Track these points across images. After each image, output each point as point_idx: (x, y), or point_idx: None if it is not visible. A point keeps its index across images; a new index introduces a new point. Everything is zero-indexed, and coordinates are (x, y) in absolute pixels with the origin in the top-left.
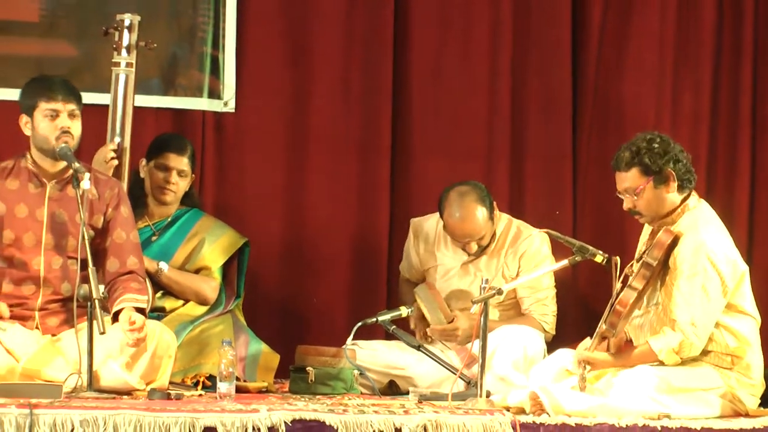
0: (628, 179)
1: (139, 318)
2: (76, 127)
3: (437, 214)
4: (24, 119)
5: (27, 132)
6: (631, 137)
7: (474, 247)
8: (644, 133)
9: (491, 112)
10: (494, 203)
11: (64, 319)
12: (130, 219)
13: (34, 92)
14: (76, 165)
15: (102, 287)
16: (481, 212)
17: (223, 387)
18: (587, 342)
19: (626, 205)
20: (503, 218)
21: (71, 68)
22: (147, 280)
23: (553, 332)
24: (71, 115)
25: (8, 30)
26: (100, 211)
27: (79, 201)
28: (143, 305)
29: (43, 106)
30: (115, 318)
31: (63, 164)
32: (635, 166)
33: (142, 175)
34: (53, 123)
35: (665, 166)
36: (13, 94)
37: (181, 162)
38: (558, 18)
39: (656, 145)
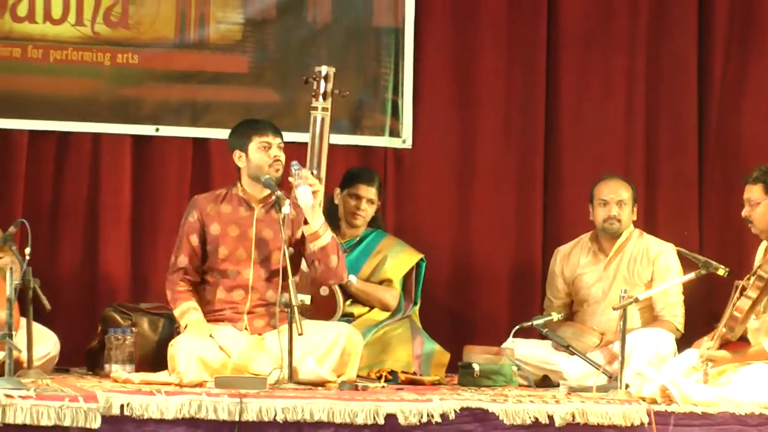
0: (752, 191)
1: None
2: (283, 157)
3: (578, 239)
4: (238, 154)
5: (240, 164)
6: (749, 166)
7: (615, 210)
8: None
9: (627, 147)
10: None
11: (268, 321)
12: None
13: (247, 130)
14: (278, 193)
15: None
16: (625, 182)
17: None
18: (708, 342)
19: (744, 213)
20: (636, 232)
21: (274, 112)
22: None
23: (683, 331)
24: (279, 147)
25: (222, 80)
26: (299, 227)
27: (281, 223)
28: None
29: (257, 140)
30: None
31: (267, 191)
32: (759, 183)
33: (336, 202)
34: (266, 153)
35: None
36: (223, 134)
37: (369, 191)
38: (685, 65)
39: None
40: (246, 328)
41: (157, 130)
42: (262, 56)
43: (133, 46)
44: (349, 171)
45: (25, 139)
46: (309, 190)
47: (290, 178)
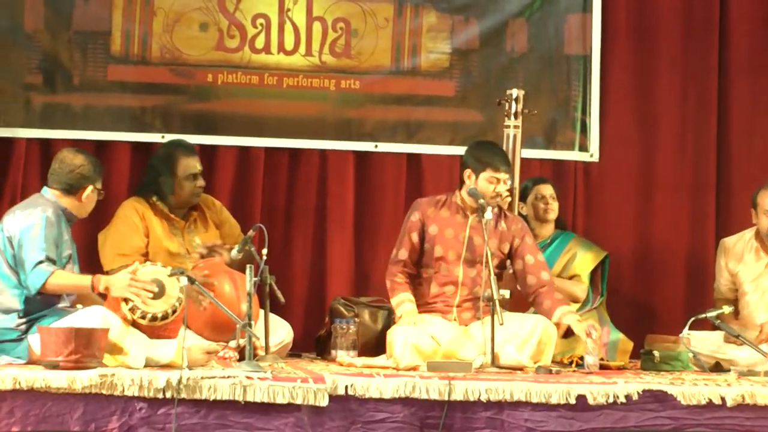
0: None
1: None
2: (504, 193)
3: (742, 233)
4: (468, 173)
5: (467, 182)
6: None
7: None
8: None
9: None
10: None
11: (474, 313)
12: (534, 245)
13: (486, 159)
14: (481, 201)
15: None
16: None
17: (589, 359)
18: None
19: None
20: None
21: (478, 130)
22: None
23: None
24: (505, 183)
25: (432, 102)
26: (507, 240)
27: (484, 228)
28: (574, 311)
29: (491, 173)
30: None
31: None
32: None
33: (524, 213)
34: (492, 186)
35: None
36: (433, 149)
37: (548, 188)
38: None
39: None
40: (455, 319)
41: (376, 146)
42: (467, 81)
43: (355, 73)
44: (524, 184)
45: (262, 154)
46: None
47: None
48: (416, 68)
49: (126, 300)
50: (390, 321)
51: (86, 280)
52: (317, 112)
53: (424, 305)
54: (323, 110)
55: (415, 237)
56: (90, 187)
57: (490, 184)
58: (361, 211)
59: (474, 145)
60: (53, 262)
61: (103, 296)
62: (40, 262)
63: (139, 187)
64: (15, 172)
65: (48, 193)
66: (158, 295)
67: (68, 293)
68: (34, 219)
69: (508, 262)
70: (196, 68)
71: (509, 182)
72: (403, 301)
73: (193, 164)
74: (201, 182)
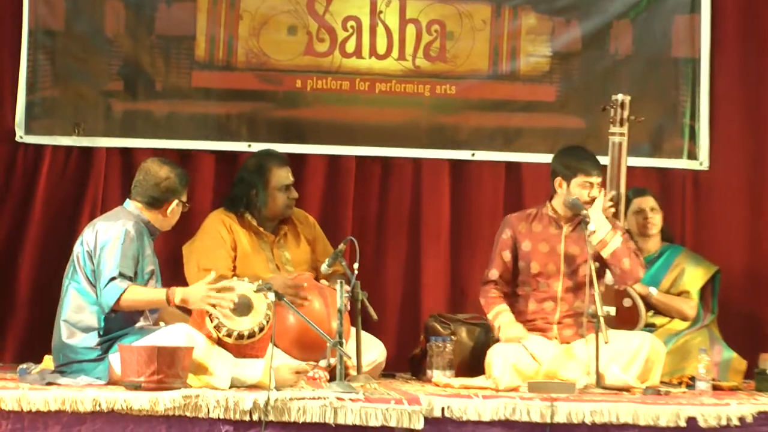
0: None
1: None
2: (598, 195)
3: None
4: (559, 181)
5: (558, 191)
6: None
7: None
8: None
9: None
10: None
11: (576, 330)
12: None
13: (574, 165)
14: (584, 212)
15: (612, 309)
16: None
17: (701, 385)
18: None
19: None
20: None
21: (580, 137)
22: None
23: None
24: (598, 185)
25: (531, 108)
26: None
27: (587, 239)
28: None
29: (582, 179)
30: None
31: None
32: None
33: (627, 227)
34: (586, 191)
35: None
36: (533, 158)
37: (648, 201)
38: None
39: None
40: (556, 337)
41: (473, 154)
42: (568, 86)
43: (450, 78)
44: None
45: (352, 163)
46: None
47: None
48: (515, 72)
49: (211, 317)
50: (488, 339)
51: (161, 293)
52: (411, 118)
53: (523, 323)
54: (417, 117)
55: (507, 255)
56: (175, 201)
57: (584, 189)
58: (458, 223)
59: (561, 151)
60: (128, 278)
61: (188, 311)
62: (113, 279)
63: (227, 200)
64: (95, 184)
65: (130, 205)
66: (245, 311)
67: (150, 310)
68: (113, 233)
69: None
70: (284, 74)
71: (600, 182)
72: (499, 312)
73: (286, 175)
74: (294, 194)
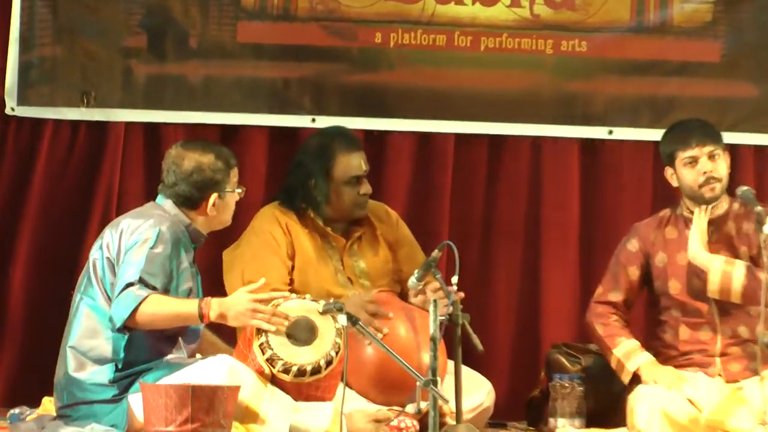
0: None
1: None
2: (720, 169)
3: None
4: (669, 171)
5: (674, 183)
6: None
7: None
8: None
9: None
10: None
11: (747, 365)
12: None
13: (671, 142)
14: (758, 208)
15: None
16: None
17: None
18: None
19: None
20: None
21: (751, 110)
22: None
23: None
24: (711, 157)
25: (688, 71)
26: (745, 244)
27: (762, 243)
28: None
29: (682, 155)
30: None
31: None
32: None
33: None
34: (694, 170)
35: None
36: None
37: None
38: None
39: None
40: (720, 374)
41: (611, 132)
42: (738, 41)
43: (580, 31)
44: None
45: (450, 144)
46: None
47: None
48: (666, 24)
49: (262, 346)
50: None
51: (192, 305)
52: (527, 85)
53: (673, 359)
54: (537, 83)
55: (634, 273)
56: (215, 195)
57: (691, 169)
58: (590, 224)
59: (665, 132)
60: (151, 287)
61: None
62: (130, 285)
63: (281, 190)
64: (110, 168)
65: (166, 203)
66: (308, 339)
67: (185, 339)
68: (142, 234)
69: None
70: (360, 25)
71: (716, 152)
72: (633, 350)
73: (357, 163)
74: (366, 188)
